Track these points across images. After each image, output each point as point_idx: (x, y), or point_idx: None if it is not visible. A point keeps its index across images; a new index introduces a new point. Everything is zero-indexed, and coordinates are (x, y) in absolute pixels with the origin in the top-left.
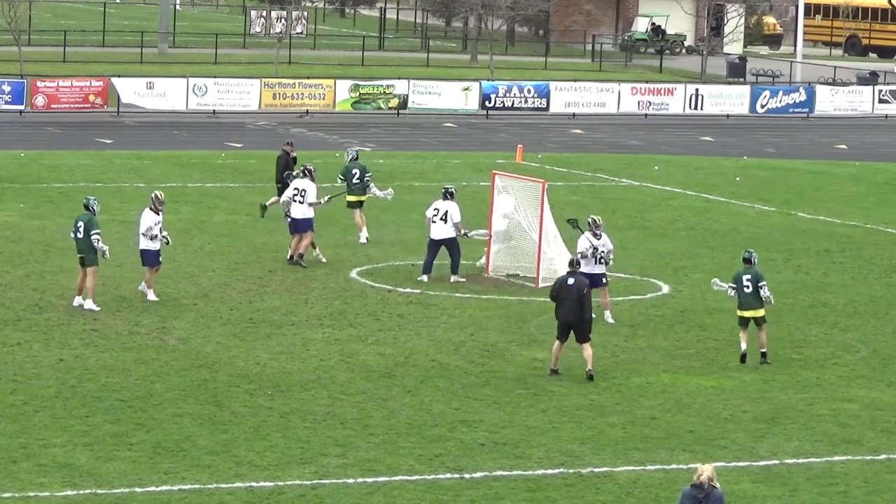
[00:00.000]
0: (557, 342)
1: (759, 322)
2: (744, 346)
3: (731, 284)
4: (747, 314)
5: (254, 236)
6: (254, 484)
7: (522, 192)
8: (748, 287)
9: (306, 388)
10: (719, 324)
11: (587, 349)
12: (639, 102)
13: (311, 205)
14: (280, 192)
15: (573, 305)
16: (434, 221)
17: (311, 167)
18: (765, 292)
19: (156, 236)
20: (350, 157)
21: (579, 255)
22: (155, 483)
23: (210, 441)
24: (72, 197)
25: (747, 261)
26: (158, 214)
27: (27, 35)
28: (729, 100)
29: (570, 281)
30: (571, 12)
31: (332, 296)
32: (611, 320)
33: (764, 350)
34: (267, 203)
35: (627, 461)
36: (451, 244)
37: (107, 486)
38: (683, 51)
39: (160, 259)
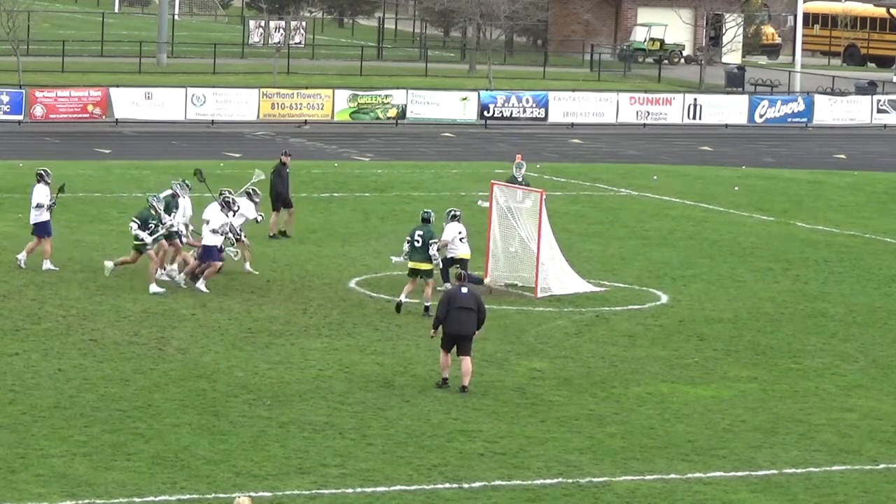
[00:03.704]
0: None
1: (425, 275)
2: (403, 297)
3: (405, 248)
4: (411, 265)
5: (251, 246)
6: (253, 494)
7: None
8: (418, 242)
9: (305, 398)
10: (718, 333)
11: (469, 362)
12: (637, 112)
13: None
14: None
15: (469, 316)
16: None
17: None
18: (432, 250)
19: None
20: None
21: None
22: (153, 493)
23: (209, 451)
24: (70, 207)
25: (426, 220)
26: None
27: (26, 45)
28: (727, 109)
29: (464, 290)
30: (570, 22)
31: (331, 306)
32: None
33: (428, 304)
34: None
35: (626, 471)
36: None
37: (105, 497)
38: (682, 60)
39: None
